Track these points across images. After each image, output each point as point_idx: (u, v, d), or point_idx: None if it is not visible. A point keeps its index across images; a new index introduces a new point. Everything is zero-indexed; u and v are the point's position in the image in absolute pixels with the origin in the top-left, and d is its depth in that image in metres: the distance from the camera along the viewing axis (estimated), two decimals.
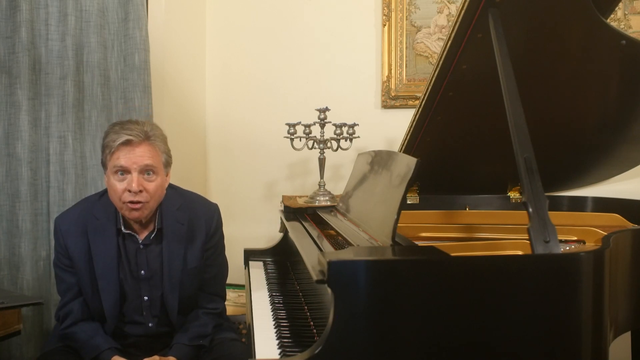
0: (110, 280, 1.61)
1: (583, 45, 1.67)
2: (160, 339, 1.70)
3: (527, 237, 1.19)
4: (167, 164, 1.64)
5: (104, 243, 1.62)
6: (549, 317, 1.10)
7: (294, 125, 2.29)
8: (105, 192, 1.66)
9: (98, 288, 1.61)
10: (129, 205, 1.55)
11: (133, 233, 1.65)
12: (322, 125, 2.28)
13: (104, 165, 1.59)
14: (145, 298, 1.65)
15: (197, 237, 1.69)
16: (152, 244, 1.66)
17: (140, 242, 1.65)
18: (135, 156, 1.53)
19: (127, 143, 1.53)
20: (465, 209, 2.21)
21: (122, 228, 1.64)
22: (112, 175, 1.55)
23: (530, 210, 1.21)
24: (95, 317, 1.65)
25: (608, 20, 1.72)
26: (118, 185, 1.54)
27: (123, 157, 1.52)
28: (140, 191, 1.54)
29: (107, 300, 1.61)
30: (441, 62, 1.64)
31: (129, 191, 1.53)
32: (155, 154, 1.57)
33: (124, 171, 1.53)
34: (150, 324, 1.67)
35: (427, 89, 1.75)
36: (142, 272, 1.65)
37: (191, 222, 1.69)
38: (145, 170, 1.55)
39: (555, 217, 1.23)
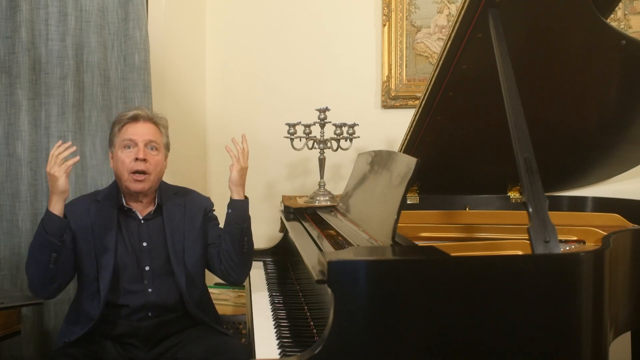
0: (107, 249, 1.70)
1: (583, 45, 1.67)
2: (159, 328, 1.71)
3: (527, 237, 1.19)
4: (167, 147, 1.81)
5: (104, 218, 1.72)
6: (549, 317, 1.10)
7: (294, 125, 2.29)
8: (109, 185, 1.82)
9: (95, 255, 1.69)
10: (134, 176, 1.68)
11: (133, 210, 1.76)
12: (322, 125, 2.28)
13: (112, 143, 1.75)
14: (147, 268, 1.73)
15: (195, 215, 1.82)
16: (152, 219, 1.77)
17: (140, 218, 1.76)
18: (142, 130, 1.72)
19: (135, 119, 1.73)
20: (465, 209, 2.21)
21: (124, 203, 1.75)
22: (120, 150, 1.71)
23: (530, 210, 1.21)
24: (89, 285, 1.69)
25: (608, 20, 1.72)
26: (125, 156, 1.69)
27: (131, 131, 1.71)
28: (145, 160, 1.68)
29: (103, 271, 1.68)
30: (441, 62, 1.64)
31: (136, 159, 1.68)
32: (158, 133, 1.76)
33: (131, 144, 1.70)
34: (150, 290, 1.72)
35: (427, 89, 1.75)
36: (144, 243, 1.74)
37: (188, 204, 1.83)
38: (150, 145, 1.72)
39: (555, 217, 1.23)
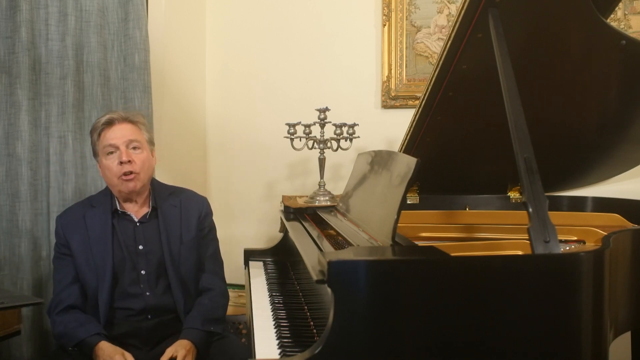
0: (105, 256, 1.70)
1: (583, 45, 1.67)
2: (158, 329, 1.72)
3: (527, 237, 1.19)
4: (151, 142, 1.81)
5: (99, 223, 1.73)
6: (549, 317, 1.10)
7: (294, 125, 2.29)
8: (103, 190, 1.83)
9: (95, 266, 1.69)
10: (123, 177, 1.69)
11: (128, 212, 1.76)
12: (322, 125, 2.28)
13: (96, 153, 1.76)
14: (143, 272, 1.73)
15: (190, 217, 1.82)
16: (148, 222, 1.78)
17: (136, 220, 1.76)
18: (119, 133, 1.71)
19: (110, 123, 1.72)
20: (465, 209, 2.21)
21: (118, 207, 1.76)
22: (104, 157, 1.71)
23: (530, 210, 1.21)
24: (91, 297, 1.69)
25: (608, 20, 1.72)
26: (110, 162, 1.70)
27: (109, 136, 1.71)
28: (129, 161, 1.69)
29: (102, 275, 1.68)
30: (441, 62, 1.64)
31: (121, 163, 1.68)
32: (137, 131, 1.75)
33: (113, 148, 1.70)
34: (147, 293, 1.72)
35: (427, 89, 1.75)
36: (140, 246, 1.75)
37: (184, 205, 1.83)
38: (131, 145, 1.71)
39: (555, 217, 1.23)
